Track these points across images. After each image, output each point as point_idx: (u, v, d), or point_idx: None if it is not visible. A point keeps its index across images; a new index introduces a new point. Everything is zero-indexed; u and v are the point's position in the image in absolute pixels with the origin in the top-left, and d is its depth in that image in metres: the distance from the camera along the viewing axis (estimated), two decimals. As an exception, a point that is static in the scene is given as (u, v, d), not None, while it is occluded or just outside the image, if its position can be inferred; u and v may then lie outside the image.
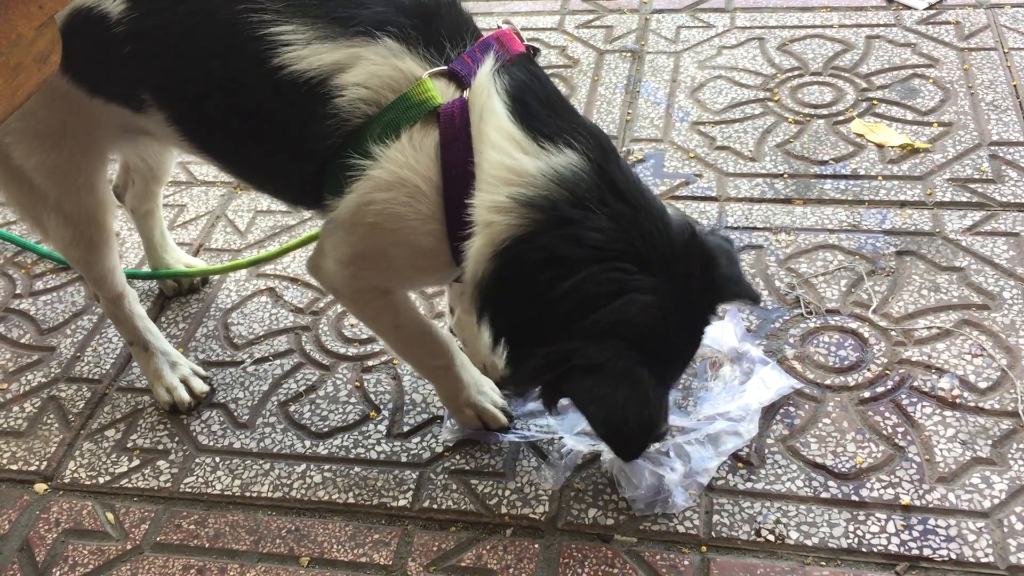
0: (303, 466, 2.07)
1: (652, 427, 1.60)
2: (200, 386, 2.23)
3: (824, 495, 1.87)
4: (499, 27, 1.67)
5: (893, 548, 1.77)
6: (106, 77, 1.81)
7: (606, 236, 1.54)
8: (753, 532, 1.83)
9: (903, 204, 2.47)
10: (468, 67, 1.59)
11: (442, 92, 1.58)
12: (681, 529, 1.85)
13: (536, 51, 1.72)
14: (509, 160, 1.55)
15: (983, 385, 2.03)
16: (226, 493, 2.04)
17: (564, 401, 1.71)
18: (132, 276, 2.43)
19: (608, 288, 1.54)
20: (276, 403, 2.21)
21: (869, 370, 2.09)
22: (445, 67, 1.59)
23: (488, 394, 2.06)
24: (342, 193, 1.64)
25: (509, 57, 1.62)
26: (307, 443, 2.11)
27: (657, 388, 1.59)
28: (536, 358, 1.60)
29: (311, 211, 1.85)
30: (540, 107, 1.59)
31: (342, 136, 1.60)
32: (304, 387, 2.24)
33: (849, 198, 2.50)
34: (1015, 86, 2.78)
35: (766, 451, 1.96)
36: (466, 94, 1.58)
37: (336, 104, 1.58)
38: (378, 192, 1.61)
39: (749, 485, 1.91)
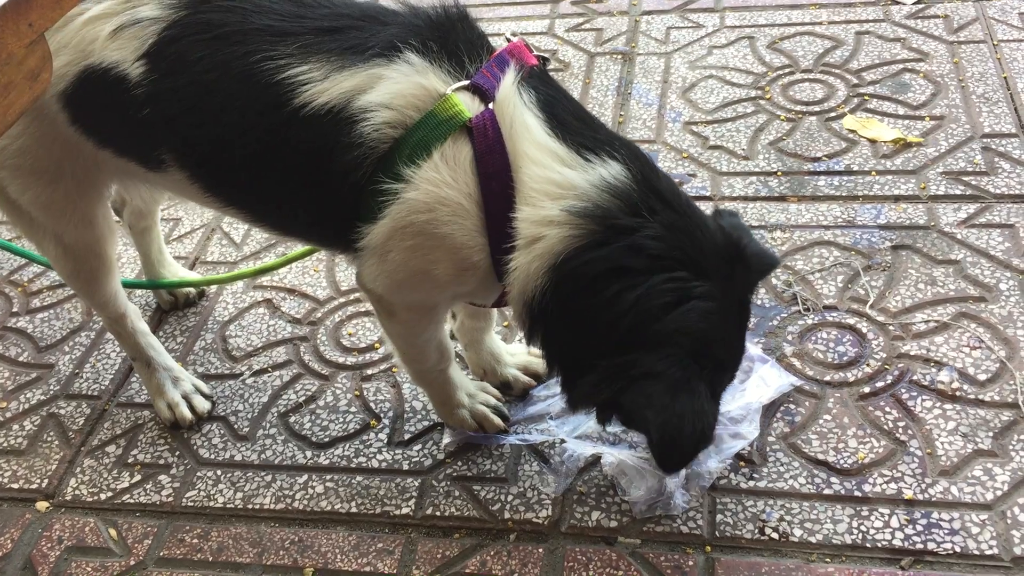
0: (305, 477, 2.07)
1: (704, 441, 1.56)
2: (202, 404, 2.23)
3: (827, 491, 1.87)
4: (508, 40, 1.66)
5: (897, 543, 1.77)
6: (123, 137, 1.79)
7: (664, 244, 1.53)
8: (757, 531, 1.83)
9: (897, 199, 2.47)
10: (489, 81, 1.58)
11: (467, 106, 1.56)
12: (685, 529, 1.85)
13: (547, 61, 1.72)
14: (553, 174, 1.54)
15: (982, 377, 2.03)
16: (228, 506, 2.03)
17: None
18: (130, 286, 2.43)
19: (669, 298, 1.52)
20: (276, 414, 2.21)
21: (868, 365, 2.09)
22: (468, 82, 1.57)
23: (479, 395, 2.07)
24: (375, 220, 1.61)
25: (526, 69, 1.61)
26: (308, 454, 2.11)
27: (710, 402, 1.57)
28: (595, 374, 1.57)
29: (343, 254, 1.80)
30: (572, 120, 1.60)
31: (371, 164, 1.58)
32: (304, 398, 2.24)
33: (843, 194, 2.51)
34: (1005, 78, 2.78)
35: (768, 449, 1.96)
36: (491, 107, 1.56)
37: (361, 132, 1.56)
38: (416, 214, 1.58)
39: (752, 483, 1.91)
